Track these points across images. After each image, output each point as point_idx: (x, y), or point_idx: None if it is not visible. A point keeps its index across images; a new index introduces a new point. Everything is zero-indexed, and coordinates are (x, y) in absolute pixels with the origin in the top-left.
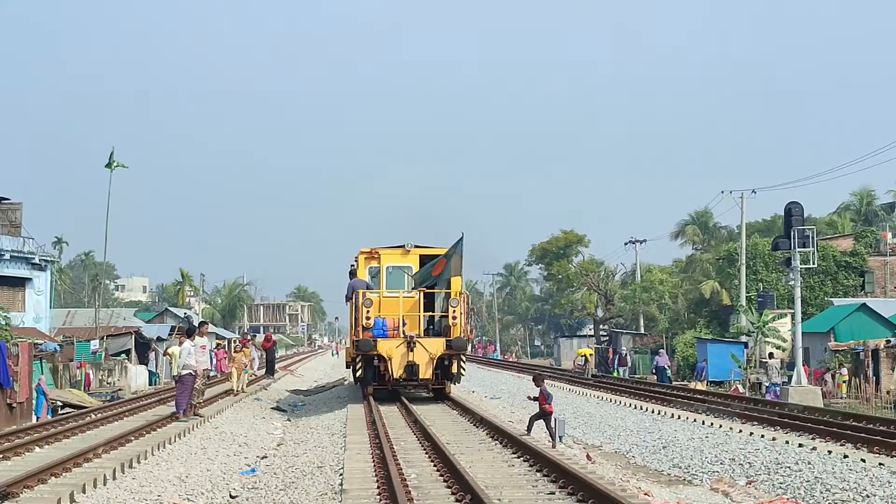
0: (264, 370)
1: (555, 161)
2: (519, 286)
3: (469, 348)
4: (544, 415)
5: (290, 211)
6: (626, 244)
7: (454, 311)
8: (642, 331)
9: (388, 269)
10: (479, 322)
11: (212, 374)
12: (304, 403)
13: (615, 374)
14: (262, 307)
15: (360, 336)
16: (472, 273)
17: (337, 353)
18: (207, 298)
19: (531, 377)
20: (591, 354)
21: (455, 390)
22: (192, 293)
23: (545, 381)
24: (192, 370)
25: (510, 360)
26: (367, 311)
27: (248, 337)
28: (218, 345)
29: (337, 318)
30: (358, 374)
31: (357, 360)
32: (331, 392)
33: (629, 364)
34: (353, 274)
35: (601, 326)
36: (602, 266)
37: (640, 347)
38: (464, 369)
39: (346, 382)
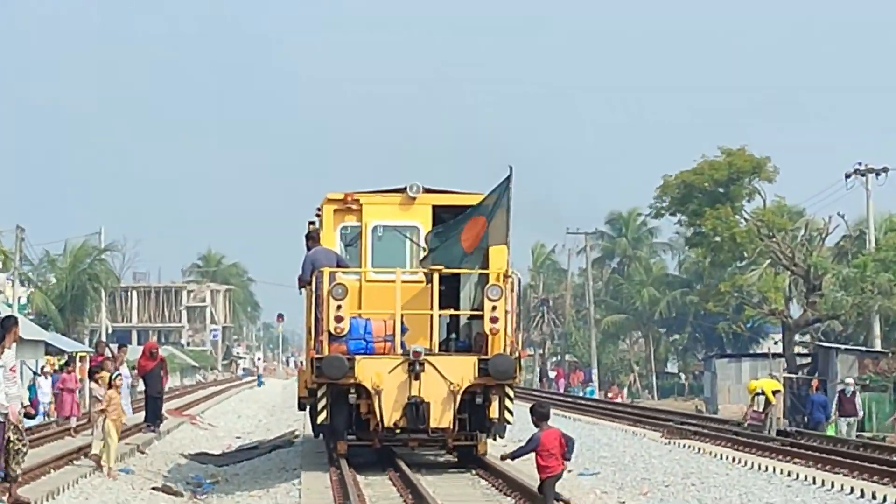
0: (143, 415)
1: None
2: (637, 257)
3: (520, 372)
4: (547, 482)
5: (185, 129)
6: (847, 177)
7: (495, 309)
8: (878, 346)
9: (376, 232)
10: (560, 327)
11: (35, 416)
12: (216, 481)
13: (832, 430)
14: (134, 292)
15: (325, 351)
16: (536, 235)
17: (286, 375)
18: (31, 274)
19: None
20: (776, 392)
21: (497, 451)
22: None
23: (547, 416)
24: None
25: (617, 398)
26: (339, 307)
27: (107, 354)
28: (60, 365)
29: (282, 316)
30: (321, 419)
31: (319, 394)
32: (269, 458)
33: (859, 411)
34: (312, 239)
35: (797, 337)
36: (801, 219)
37: (873, 378)
38: (511, 412)
39: (297, 437)
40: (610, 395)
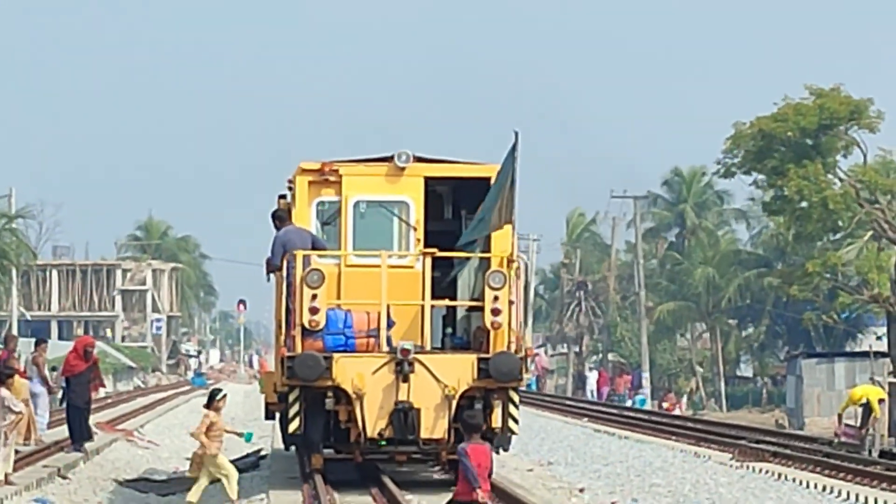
0: (68, 432)
1: None
2: (702, 227)
3: (526, 373)
4: None
5: (118, 70)
6: None
7: (497, 299)
8: None
9: (358, 208)
10: (601, 317)
11: None
12: None
13: None
14: (55, 271)
15: (298, 348)
16: (573, 200)
17: (258, 378)
18: None
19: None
20: (880, 401)
21: (499, 466)
22: None
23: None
24: None
25: (675, 410)
26: (314, 296)
27: (15, 355)
28: None
29: (243, 303)
30: (292, 428)
31: (290, 399)
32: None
33: None
34: (280, 219)
35: None
36: None
37: None
38: (516, 420)
39: (264, 457)
40: (666, 405)
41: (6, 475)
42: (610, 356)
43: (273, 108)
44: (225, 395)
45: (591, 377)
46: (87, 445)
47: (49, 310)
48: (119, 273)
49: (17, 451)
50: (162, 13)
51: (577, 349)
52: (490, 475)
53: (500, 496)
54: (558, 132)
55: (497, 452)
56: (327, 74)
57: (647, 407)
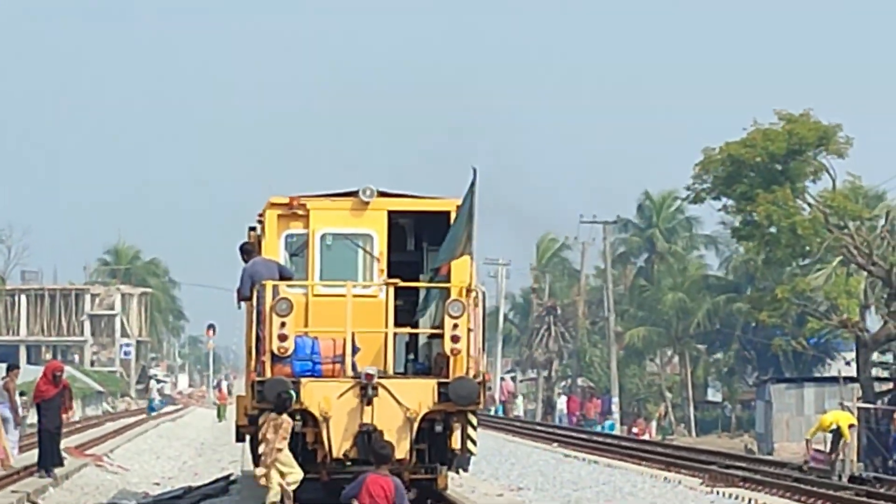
0: (37, 457)
1: None
2: (672, 253)
3: (484, 397)
4: None
5: (88, 90)
6: None
7: (456, 327)
8: None
9: (324, 240)
10: (571, 342)
11: None
12: None
13: None
14: (23, 295)
15: (268, 373)
16: (542, 226)
17: (222, 405)
18: None
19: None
20: (850, 426)
21: (461, 486)
22: None
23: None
24: None
25: (645, 435)
26: (283, 324)
27: None
28: None
29: (213, 328)
30: (262, 449)
31: (261, 421)
32: None
33: None
34: (247, 252)
35: (875, 356)
36: (881, 204)
37: None
38: (474, 441)
39: (234, 482)
40: (635, 430)
41: None
42: (580, 381)
43: (242, 136)
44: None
45: (561, 402)
46: (57, 470)
47: (18, 334)
48: (88, 298)
49: None
50: (135, 35)
51: (546, 374)
52: None
53: (441, 501)
54: (529, 157)
55: (457, 472)
56: (292, 107)
57: (617, 432)
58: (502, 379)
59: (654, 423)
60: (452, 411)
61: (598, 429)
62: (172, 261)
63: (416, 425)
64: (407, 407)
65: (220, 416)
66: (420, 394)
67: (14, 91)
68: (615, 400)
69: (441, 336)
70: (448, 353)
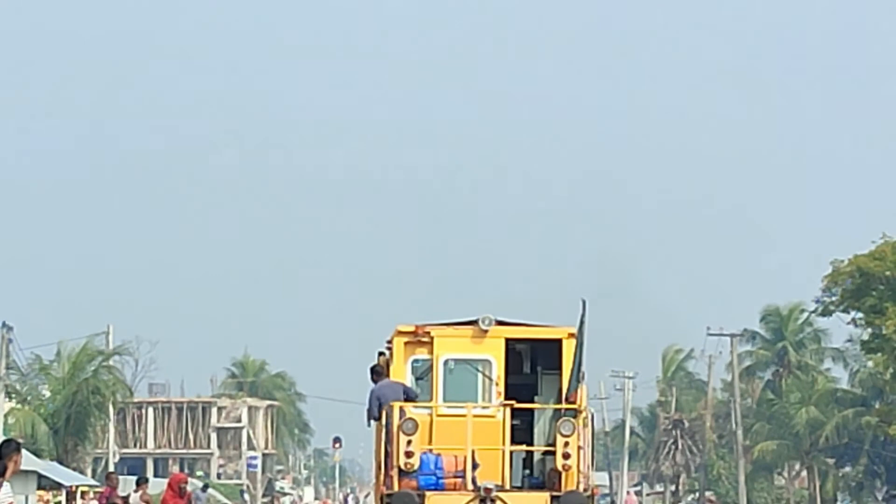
0: None
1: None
2: (801, 366)
3: None
4: None
5: (213, 211)
6: None
7: (567, 444)
8: None
9: (447, 365)
10: (698, 455)
11: None
12: None
13: None
14: (150, 408)
15: (395, 486)
16: (668, 337)
17: None
18: (19, 385)
19: None
20: None
21: None
22: None
23: None
24: None
25: None
26: (409, 442)
27: (116, 493)
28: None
29: (339, 440)
30: None
31: None
32: None
33: None
34: (377, 374)
35: None
36: None
37: None
38: None
39: None
40: None
41: None
42: (707, 494)
43: (367, 254)
44: None
45: None
46: None
47: (145, 447)
48: (215, 410)
49: None
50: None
51: (673, 488)
52: None
53: None
54: (651, 271)
55: None
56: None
57: None
58: (627, 493)
59: None
60: None
61: None
62: (298, 373)
63: None
64: None
65: None
66: None
67: (140, 203)
68: None
69: (553, 453)
70: (560, 468)
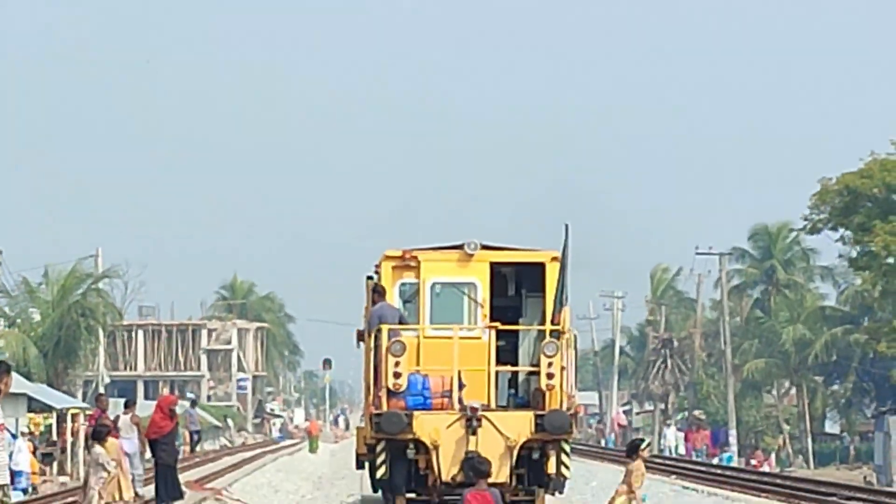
0: (155, 492)
1: None
2: (788, 284)
3: (576, 427)
4: None
5: (203, 134)
6: None
7: (550, 365)
8: None
9: (434, 289)
10: (687, 375)
11: (16, 496)
12: None
13: None
14: (140, 331)
15: (384, 407)
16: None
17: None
18: (7, 309)
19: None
20: None
21: None
22: None
23: None
24: None
25: (763, 467)
26: (397, 363)
27: (107, 414)
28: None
29: (328, 362)
30: (379, 475)
31: (378, 450)
32: None
33: None
34: (378, 293)
35: None
36: None
37: None
38: (567, 467)
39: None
40: (753, 462)
41: None
42: (696, 413)
43: (357, 179)
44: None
45: (669, 433)
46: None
47: (135, 369)
48: (204, 333)
49: None
50: (252, 72)
51: (662, 406)
52: None
53: None
54: (641, 187)
55: (553, 495)
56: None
57: (735, 464)
58: (616, 412)
59: (772, 456)
60: (548, 440)
61: (716, 461)
62: (288, 296)
63: (515, 452)
64: (507, 436)
65: (312, 448)
66: (519, 425)
67: (134, 127)
68: (733, 432)
69: (538, 373)
70: (544, 388)
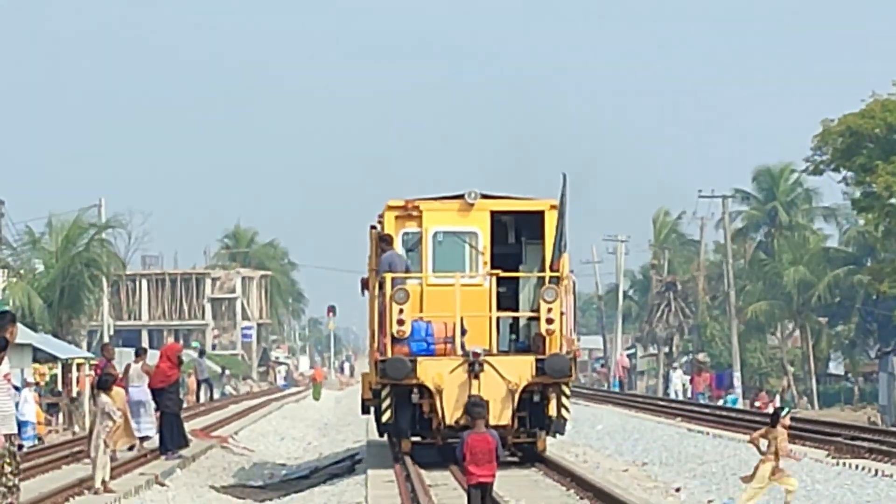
0: (159, 440)
1: None
2: (791, 226)
3: (575, 371)
4: (472, 491)
5: (205, 79)
6: None
7: (550, 311)
8: None
9: (436, 238)
10: (691, 317)
11: (27, 442)
12: None
13: None
14: (144, 280)
15: (389, 353)
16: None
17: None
18: (10, 259)
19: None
20: None
21: (586, 462)
22: None
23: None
24: None
25: (768, 408)
26: (401, 310)
27: (112, 365)
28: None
29: (333, 309)
30: (385, 419)
31: (383, 395)
32: (324, 490)
33: None
34: (386, 242)
35: None
36: None
37: None
38: (567, 409)
39: (359, 459)
40: (758, 403)
41: (104, 482)
42: (700, 356)
43: (359, 128)
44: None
45: (675, 376)
46: (184, 452)
47: (139, 319)
48: (208, 281)
49: (113, 459)
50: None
51: (667, 350)
52: (497, 459)
53: (598, 496)
54: (642, 133)
55: (554, 436)
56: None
57: (739, 405)
58: (620, 355)
59: (777, 397)
60: (548, 383)
61: (721, 403)
62: (291, 244)
63: (517, 396)
64: (509, 380)
65: (315, 395)
66: (520, 369)
67: (134, 76)
68: (737, 374)
69: (538, 317)
70: (544, 333)
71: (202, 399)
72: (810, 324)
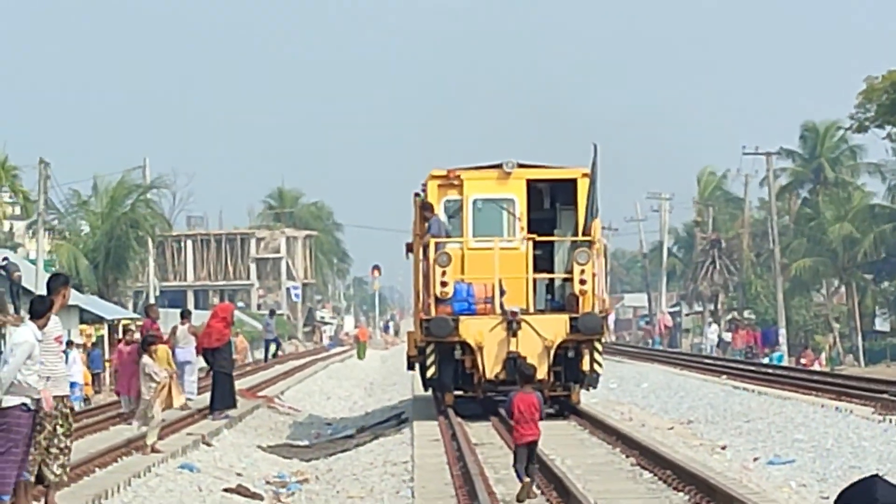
0: (210, 400)
1: None
2: (838, 182)
3: (606, 329)
4: (519, 450)
5: (249, 43)
6: None
7: (583, 272)
8: None
9: (476, 205)
10: (736, 275)
11: (76, 402)
12: (303, 479)
13: None
14: (189, 241)
15: (433, 312)
16: (704, 158)
17: (397, 341)
18: (56, 222)
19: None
20: None
21: (631, 420)
22: (15, 201)
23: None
24: (27, 399)
25: (814, 365)
26: (444, 273)
27: (156, 326)
28: (98, 336)
29: (378, 268)
30: (429, 374)
31: (427, 352)
32: (370, 449)
33: None
34: (429, 209)
35: None
36: None
37: None
38: (600, 364)
39: (405, 420)
40: (803, 361)
41: (152, 443)
42: (745, 313)
43: (398, 91)
44: None
45: (710, 331)
46: (231, 412)
47: (184, 279)
48: (253, 242)
49: (162, 420)
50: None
51: (711, 307)
52: (541, 418)
53: (644, 454)
54: (686, 90)
55: (587, 390)
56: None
57: (785, 363)
58: (661, 313)
59: (822, 355)
60: (582, 340)
61: (765, 360)
62: (335, 204)
63: (552, 352)
64: (545, 337)
65: (360, 355)
66: (555, 327)
67: (179, 38)
68: (782, 332)
69: (571, 279)
70: (577, 293)
71: (268, 358)
72: (856, 280)
